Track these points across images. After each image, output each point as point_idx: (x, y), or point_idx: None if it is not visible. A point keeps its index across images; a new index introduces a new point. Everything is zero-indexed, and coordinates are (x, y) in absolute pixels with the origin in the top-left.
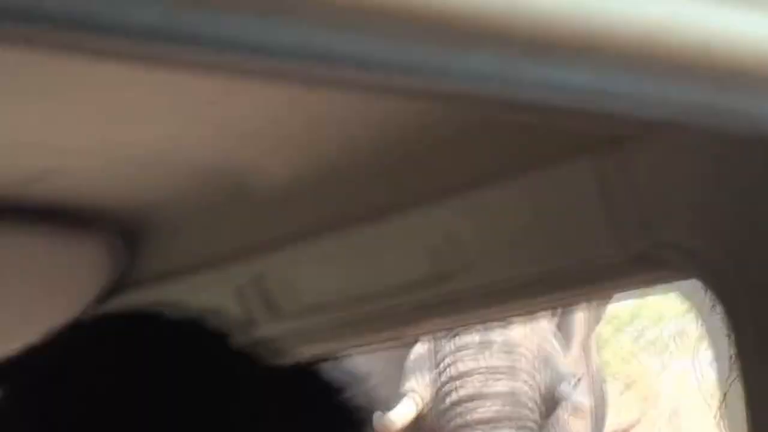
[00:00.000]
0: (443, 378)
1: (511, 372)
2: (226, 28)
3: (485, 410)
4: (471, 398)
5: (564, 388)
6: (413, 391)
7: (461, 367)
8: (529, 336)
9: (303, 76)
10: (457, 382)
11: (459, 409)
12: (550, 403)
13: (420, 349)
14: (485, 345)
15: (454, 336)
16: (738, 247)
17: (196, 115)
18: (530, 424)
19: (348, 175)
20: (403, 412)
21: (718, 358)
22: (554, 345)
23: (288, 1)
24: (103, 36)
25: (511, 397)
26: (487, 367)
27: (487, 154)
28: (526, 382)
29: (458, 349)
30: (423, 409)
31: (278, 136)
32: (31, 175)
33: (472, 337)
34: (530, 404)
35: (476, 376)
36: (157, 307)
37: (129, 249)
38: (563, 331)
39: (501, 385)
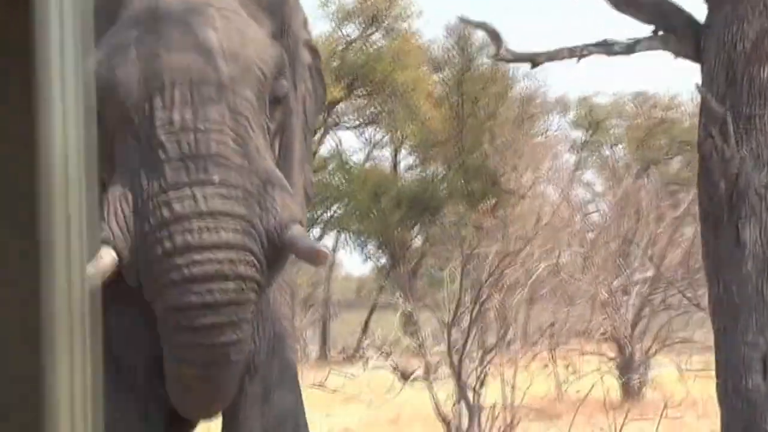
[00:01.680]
0: (151, 223)
1: (232, 216)
2: None
3: (203, 264)
4: (186, 249)
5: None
6: (111, 239)
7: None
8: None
9: None
10: (170, 229)
11: (172, 262)
12: (278, 250)
13: (121, 186)
14: (201, 183)
15: (161, 174)
16: None
17: None
18: (255, 275)
19: None
20: (98, 266)
21: None
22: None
23: None
24: None
25: (232, 247)
26: (202, 212)
27: None
28: (248, 229)
29: (169, 188)
30: (126, 261)
31: None
32: None
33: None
34: (254, 255)
35: (193, 221)
36: None
37: None
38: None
39: (221, 235)
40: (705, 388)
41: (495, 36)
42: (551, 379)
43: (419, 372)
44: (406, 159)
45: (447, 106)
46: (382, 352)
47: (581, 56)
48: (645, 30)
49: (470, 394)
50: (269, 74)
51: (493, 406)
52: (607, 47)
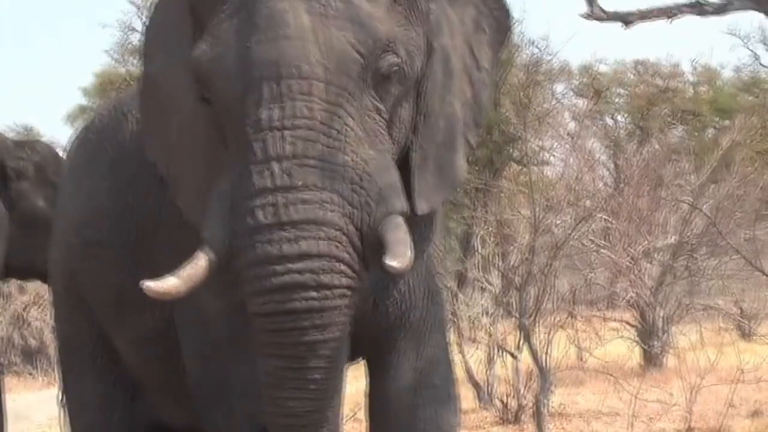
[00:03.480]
0: (238, 230)
1: (315, 223)
2: None
3: (283, 275)
4: (267, 260)
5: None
6: (207, 243)
7: (258, 218)
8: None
9: None
10: (253, 238)
11: (253, 272)
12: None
13: (224, 183)
14: (284, 189)
15: (249, 178)
16: None
17: None
18: (342, 282)
19: None
20: (193, 269)
21: None
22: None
23: None
24: None
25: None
26: (283, 222)
27: None
28: (334, 234)
29: (254, 194)
30: (223, 264)
31: None
32: None
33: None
34: (342, 262)
35: (274, 232)
36: None
37: None
38: None
39: (301, 245)
40: (726, 355)
41: None
42: (574, 345)
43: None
44: None
45: None
46: None
47: (673, 16)
48: None
49: (502, 359)
50: (371, 54)
51: (528, 371)
52: (699, 8)
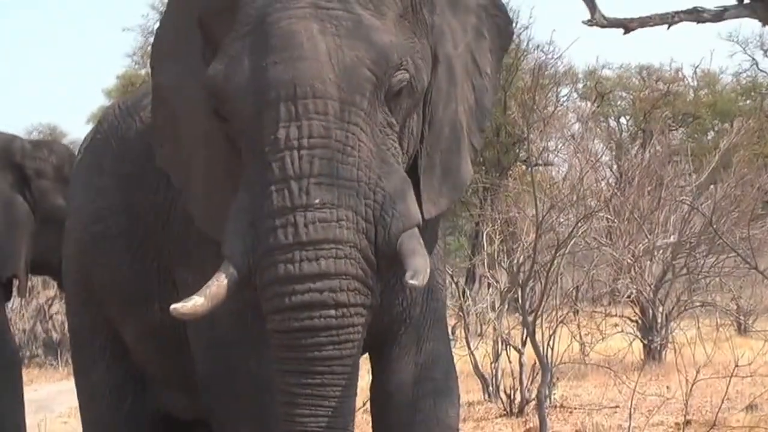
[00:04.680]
0: (259, 248)
1: (334, 242)
2: None
3: (303, 294)
4: (287, 279)
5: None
6: (229, 260)
7: (279, 238)
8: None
9: None
10: (274, 258)
11: (274, 290)
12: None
13: (243, 199)
14: (303, 207)
15: (269, 197)
16: None
17: None
18: (359, 301)
19: None
20: (210, 292)
21: None
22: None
23: None
24: None
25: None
26: (303, 242)
27: None
28: (350, 252)
29: (274, 214)
30: (245, 279)
31: None
32: None
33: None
34: (358, 280)
35: (295, 252)
36: None
37: None
38: None
39: (320, 264)
40: (723, 350)
41: (589, 2)
42: (576, 340)
43: (457, 331)
44: None
45: None
46: None
47: (671, 23)
48: None
49: (509, 353)
50: (383, 72)
51: (533, 365)
52: (696, 14)
